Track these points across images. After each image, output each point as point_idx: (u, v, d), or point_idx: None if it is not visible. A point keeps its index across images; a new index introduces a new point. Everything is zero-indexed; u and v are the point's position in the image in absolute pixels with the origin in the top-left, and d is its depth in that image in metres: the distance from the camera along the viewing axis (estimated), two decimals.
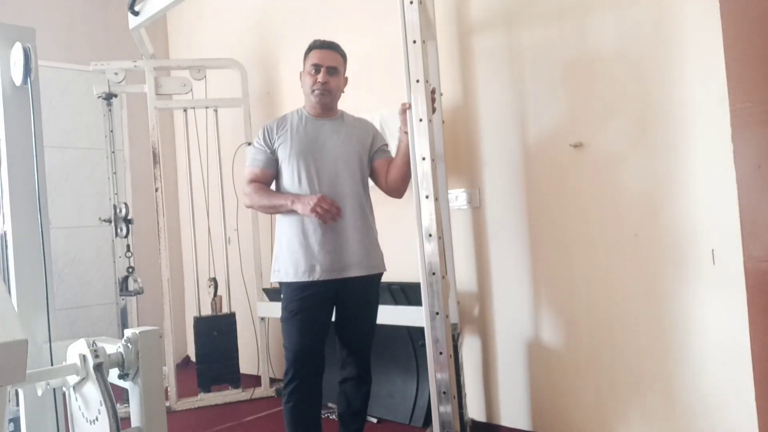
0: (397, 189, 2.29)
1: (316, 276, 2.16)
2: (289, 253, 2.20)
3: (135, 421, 1.46)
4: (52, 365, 1.58)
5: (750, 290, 2.00)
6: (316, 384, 2.22)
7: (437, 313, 1.97)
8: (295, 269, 2.18)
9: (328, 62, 2.24)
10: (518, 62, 2.66)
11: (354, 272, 2.20)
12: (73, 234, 4.20)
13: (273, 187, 2.32)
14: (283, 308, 2.23)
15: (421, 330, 2.19)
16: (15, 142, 1.69)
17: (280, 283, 2.27)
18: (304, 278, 2.17)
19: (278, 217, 2.28)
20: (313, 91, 2.24)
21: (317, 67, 2.24)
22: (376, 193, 2.36)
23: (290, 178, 2.23)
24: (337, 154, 2.23)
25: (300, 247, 2.18)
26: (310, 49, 2.29)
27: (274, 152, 2.26)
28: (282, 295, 2.25)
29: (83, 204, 4.24)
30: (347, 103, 2.42)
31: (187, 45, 4.69)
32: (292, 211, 2.18)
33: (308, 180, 2.20)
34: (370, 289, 2.29)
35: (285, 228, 2.24)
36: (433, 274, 1.96)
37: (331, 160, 2.22)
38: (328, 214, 2.12)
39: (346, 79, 2.34)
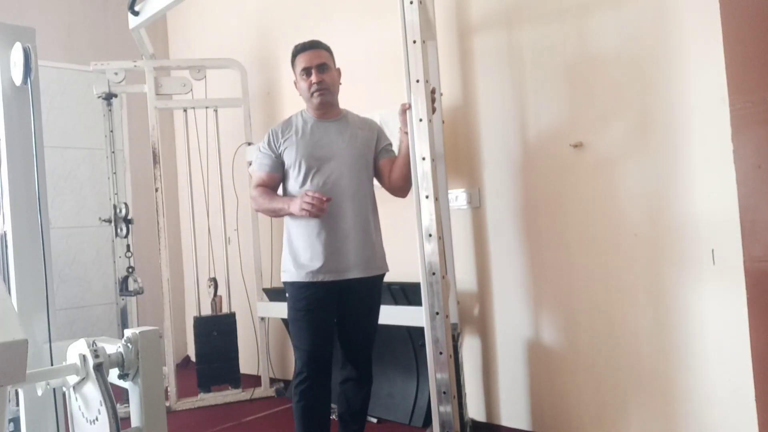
0: (400, 188, 2.29)
1: (320, 277, 2.17)
2: (295, 254, 2.21)
3: (135, 421, 1.46)
4: (52, 365, 1.58)
5: (750, 290, 2.00)
6: (326, 383, 2.23)
7: (437, 313, 1.97)
8: (300, 269, 2.19)
9: (315, 61, 2.24)
10: (518, 62, 2.66)
11: (356, 274, 2.20)
12: (73, 234, 4.20)
13: (280, 191, 2.32)
14: (290, 308, 2.24)
15: (421, 330, 2.19)
16: (15, 142, 1.69)
17: (284, 283, 2.27)
18: (308, 279, 2.18)
19: (286, 217, 2.27)
20: (312, 93, 2.23)
21: (308, 70, 2.24)
22: (377, 193, 2.35)
23: (296, 181, 2.23)
24: (343, 156, 2.23)
25: (305, 249, 2.19)
26: (294, 55, 2.28)
27: (279, 156, 2.26)
28: (287, 295, 2.26)
29: (83, 204, 4.24)
30: (347, 103, 2.42)
31: (187, 45, 4.69)
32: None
33: (314, 183, 2.20)
34: (372, 290, 2.30)
35: (292, 229, 2.25)
36: (433, 274, 1.97)
37: (336, 162, 2.22)
38: (314, 207, 2.06)
39: (339, 71, 2.33)
